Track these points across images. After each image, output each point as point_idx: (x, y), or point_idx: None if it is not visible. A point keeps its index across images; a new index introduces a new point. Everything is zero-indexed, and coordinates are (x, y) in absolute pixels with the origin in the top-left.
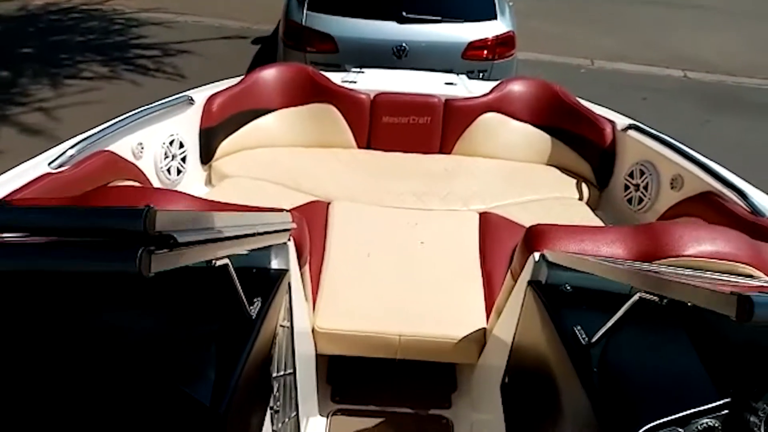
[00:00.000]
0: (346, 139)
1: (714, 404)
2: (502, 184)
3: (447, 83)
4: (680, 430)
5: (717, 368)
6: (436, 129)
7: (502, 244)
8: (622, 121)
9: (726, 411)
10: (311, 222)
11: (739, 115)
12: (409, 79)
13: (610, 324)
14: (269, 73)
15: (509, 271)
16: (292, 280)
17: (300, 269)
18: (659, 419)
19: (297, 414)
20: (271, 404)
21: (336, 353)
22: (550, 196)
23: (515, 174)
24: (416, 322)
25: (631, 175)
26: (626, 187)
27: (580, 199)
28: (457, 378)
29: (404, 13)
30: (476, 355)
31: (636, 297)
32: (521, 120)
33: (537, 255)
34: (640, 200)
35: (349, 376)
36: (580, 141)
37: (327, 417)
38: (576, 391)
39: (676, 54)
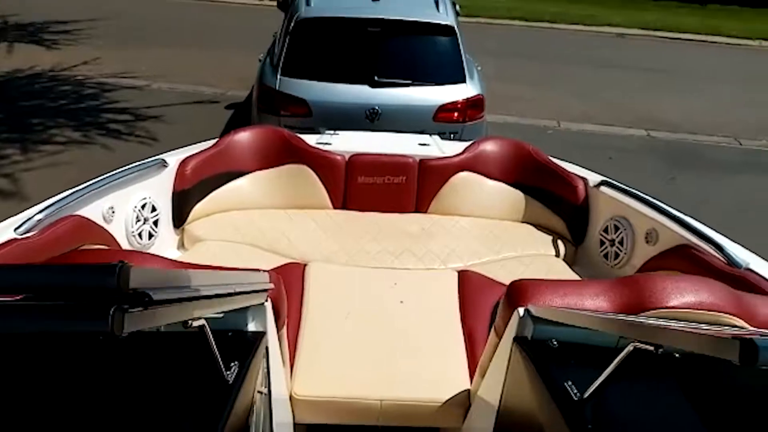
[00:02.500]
0: (321, 199)
1: None
2: (479, 242)
3: (420, 144)
4: None
5: (712, 420)
6: (411, 189)
7: (483, 301)
8: (594, 177)
9: None
10: (287, 284)
11: (703, 171)
12: (382, 141)
13: (602, 378)
14: (243, 136)
15: (493, 328)
16: (270, 344)
17: (278, 332)
18: None
19: None
20: None
21: (315, 422)
22: (528, 253)
23: (491, 232)
24: (397, 385)
25: (606, 230)
26: (602, 243)
27: (557, 255)
28: None
29: (376, 77)
30: (461, 419)
31: (630, 347)
32: (495, 179)
33: (521, 310)
34: (617, 255)
35: None
36: (553, 198)
37: None
38: None
39: (638, 114)
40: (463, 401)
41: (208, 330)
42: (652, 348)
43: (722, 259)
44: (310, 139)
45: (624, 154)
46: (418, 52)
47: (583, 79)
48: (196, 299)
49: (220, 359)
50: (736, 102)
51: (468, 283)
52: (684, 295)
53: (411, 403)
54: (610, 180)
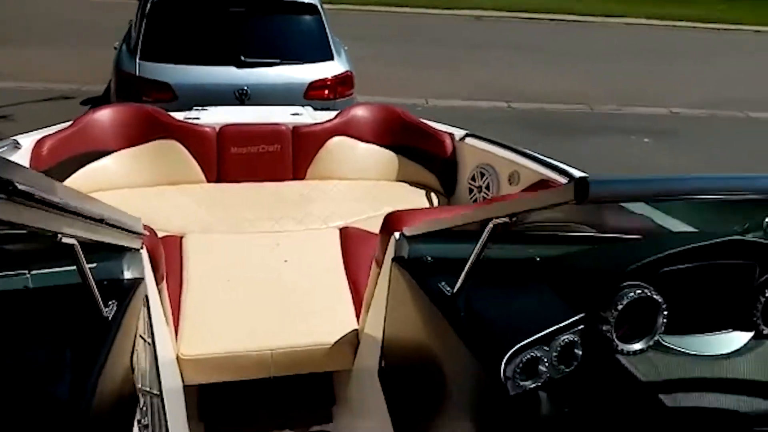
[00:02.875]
0: (194, 174)
1: (570, 321)
2: (358, 202)
3: (293, 114)
4: (546, 348)
5: (569, 292)
6: (286, 156)
7: (365, 253)
8: (459, 132)
9: (582, 326)
10: (165, 257)
11: (560, 135)
12: (254, 113)
13: (468, 267)
14: (104, 114)
15: (373, 260)
16: (150, 294)
17: (157, 285)
18: (524, 341)
19: None
20: (139, 417)
21: (205, 382)
22: (404, 208)
23: (369, 192)
24: (287, 335)
25: (473, 178)
26: (470, 191)
27: (431, 207)
28: (335, 390)
29: (243, 57)
30: (351, 360)
31: (490, 225)
32: (368, 141)
33: (397, 234)
34: (484, 199)
35: (222, 406)
36: (424, 155)
37: None
38: (449, 339)
39: (503, 89)
40: (352, 340)
41: (80, 253)
42: (507, 219)
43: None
44: (178, 116)
45: (489, 124)
46: (283, 31)
47: (453, 60)
48: (66, 212)
49: (97, 293)
50: (597, 76)
51: (349, 238)
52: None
53: (302, 349)
54: (473, 133)
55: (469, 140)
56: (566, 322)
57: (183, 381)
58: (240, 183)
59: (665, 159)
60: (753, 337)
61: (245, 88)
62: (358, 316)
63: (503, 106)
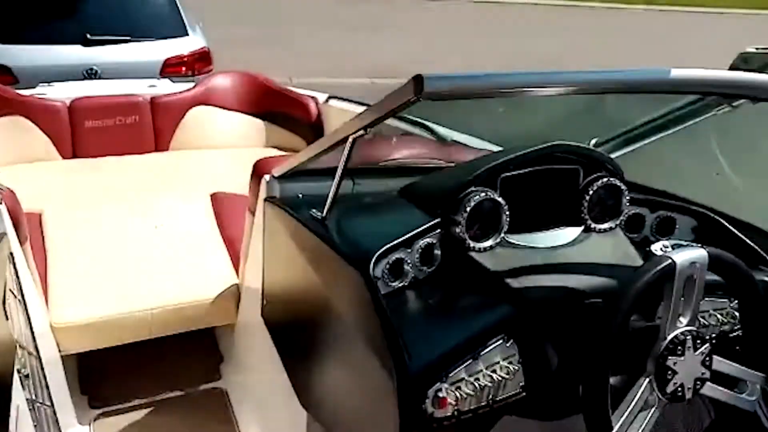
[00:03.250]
0: (46, 150)
1: (427, 225)
2: (226, 170)
3: (150, 86)
4: (408, 250)
5: (425, 203)
6: (146, 128)
7: (238, 214)
8: (322, 95)
9: (438, 230)
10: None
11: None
12: (107, 86)
13: (335, 186)
14: None
15: (246, 210)
16: (14, 251)
17: (21, 246)
18: (388, 244)
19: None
20: (18, 367)
21: (83, 350)
22: None
23: (236, 159)
24: (164, 294)
25: None
26: None
27: None
28: (221, 347)
29: (89, 35)
30: (234, 313)
31: (350, 141)
32: (231, 109)
33: (267, 176)
34: None
35: (104, 374)
36: (290, 120)
37: (89, 426)
38: (324, 255)
39: (365, 67)
40: (234, 293)
41: None
42: (363, 131)
43: (433, 138)
44: (24, 93)
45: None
46: (131, 5)
47: (312, 38)
48: None
49: None
50: (449, 48)
51: (220, 202)
52: (407, 150)
53: (181, 306)
54: (335, 95)
55: (332, 102)
56: (424, 227)
57: (60, 351)
58: (99, 158)
59: None
60: (582, 231)
61: (94, 67)
62: (237, 272)
63: (366, 83)
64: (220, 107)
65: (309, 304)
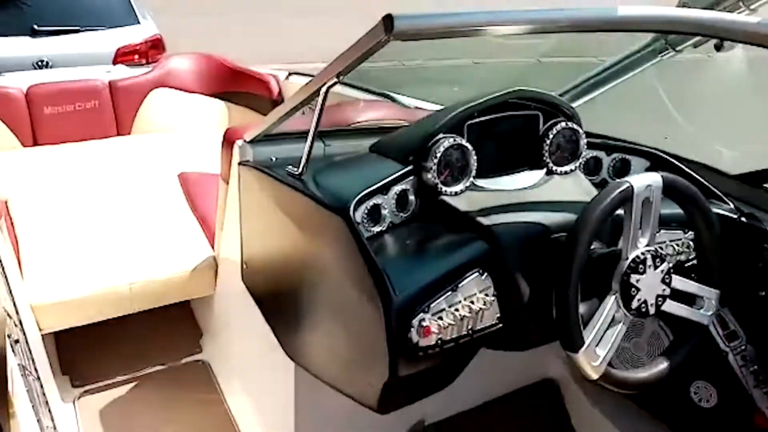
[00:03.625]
0: (6, 139)
1: (401, 172)
2: (191, 150)
3: (107, 72)
4: (384, 195)
5: (398, 153)
6: (107, 112)
7: (208, 191)
8: (282, 73)
9: (412, 177)
10: None
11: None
12: (63, 74)
13: (307, 146)
14: None
15: (219, 178)
16: None
17: None
18: (366, 190)
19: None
20: (8, 332)
21: (62, 327)
22: None
23: (200, 140)
24: (143, 268)
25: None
26: None
27: None
28: (199, 321)
29: (36, 26)
30: (213, 284)
31: (323, 90)
32: (192, 91)
33: (240, 141)
34: None
35: (84, 352)
36: (252, 99)
37: (72, 404)
38: (303, 207)
39: (278, 54)
40: (211, 265)
41: None
42: (336, 79)
43: (398, 107)
44: None
45: None
46: None
47: (260, 24)
48: None
49: None
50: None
51: (189, 182)
52: (372, 112)
53: (160, 279)
54: (296, 71)
55: (293, 79)
56: (398, 174)
57: (40, 330)
58: (61, 144)
59: None
60: (545, 174)
61: (44, 59)
62: (213, 246)
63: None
64: (180, 89)
65: (291, 258)
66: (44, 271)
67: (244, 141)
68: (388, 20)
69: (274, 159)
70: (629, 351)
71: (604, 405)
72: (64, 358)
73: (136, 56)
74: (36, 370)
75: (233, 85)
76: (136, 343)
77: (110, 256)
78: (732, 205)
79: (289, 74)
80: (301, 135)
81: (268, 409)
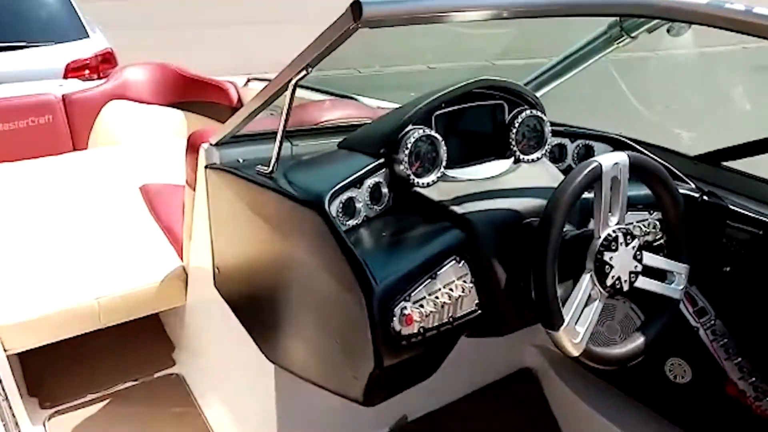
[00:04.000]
0: None
1: (373, 165)
2: (151, 162)
3: (60, 86)
4: (358, 189)
5: (369, 148)
6: (61, 127)
7: (172, 202)
8: (241, 79)
9: (384, 169)
10: None
11: None
12: (11, 89)
13: (277, 144)
14: None
15: (185, 185)
16: None
17: None
18: (337, 185)
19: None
20: None
21: (29, 347)
22: None
23: (159, 151)
24: (109, 282)
25: None
26: None
27: None
28: (170, 334)
29: None
30: (183, 295)
31: (291, 85)
32: (149, 102)
33: (205, 145)
34: None
35: (51, 372)
36: (211, 108)
37: (43, 426)
38: (274, 205)
39: (240, 62)
40: (180, 275)
41: None
42: (305, 71)
43: (363, 106)
44: None
45: None
46: (23, 11)
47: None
48: None
49: None
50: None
51: (152, 193)
52: (339, 111)
53: (129, 292)
54: (255, 76)
55: (252, 85)
56: (371, 166)
57: (5, 350)
58: (14, 162)
59: None
60: (513, 162)
61: None
62: (181, 257)
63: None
64: (136, 100)
65: (265, 259)
66: (7, 291)
67: (210, 144)
68: (356, 7)
69: (241, 161)
70: (603, 334)
71: (582, 390)
72: (32, 379)
73: (87, 71)
74: (4, 390)
75: (191, 94)
76: (106, 360)
77: (75, 272)
78: (693, 185)
79: (248, 80)
80: (269, 135)
81: (248, 415)
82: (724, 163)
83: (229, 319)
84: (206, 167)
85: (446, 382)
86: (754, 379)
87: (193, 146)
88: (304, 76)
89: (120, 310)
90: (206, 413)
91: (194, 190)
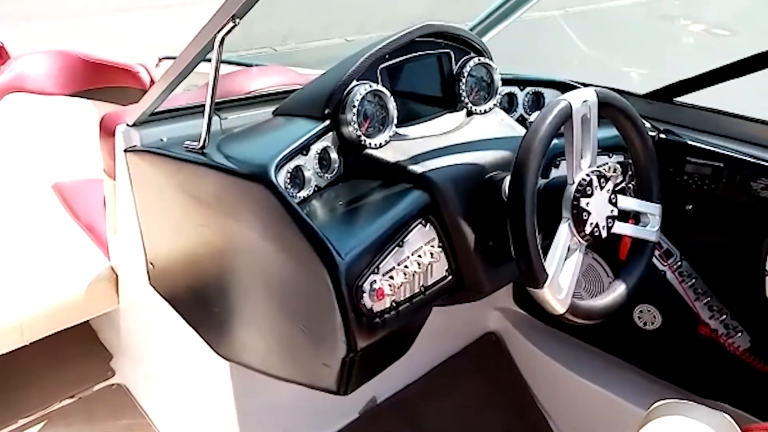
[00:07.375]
0: None
1: (319, 128)
2: (61, 158)
3: None
4: (305, 155)
5: (311, 111)
6: None
7: (89, 198)
8: (151, 60)
9: (331, 132)
10: None
11: None
12: None
13: (206, 116)
14: None
15: (103, 173)
16: None
17: None
18: (282, 153)
19: None
20: None
21: None
22: None
23: (69, 145)
24: (29, 293)
25: None
26: None
27: None
28: (105, 344)
29: None
30: (114, 297)
31: (217, 40)
32: (51, 93)
33: (121, 127)
34: None
35: None
36: (121, 93)
37: None
38: (214, 182)
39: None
40: (109, 276)
41: None
42: (232, 23)
43: (294, 72)
44: None
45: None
46: None
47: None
48: None
49: None
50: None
51: (66, 190)
52: (268, 78)
53: (53, 302)
54: (167, 55)
55: (164, 64)
56: (316, 130)
57: None
58: None
59: None
60: (466, 115)
61: None
62: (108, 255)
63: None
64: (36, 92)
65: (207, 245)
66: None
67: (127, 125)
68: None
69: (164, 140)
70: None
71: (548, 347)
72: None
73: None
74: None
75: (98, 80)
76: (37, 379)
77: None
78: (648, 125)
79: (160, 60)
80: (193, 109)
81: (204, 419)
82: (677, 99)
83: (171, 318)
84: (125, 151)
85: (412, 358)
86: (724, 317)
87: (107, 130)
88: (232, 28)
89: (44, 324)
90: (157, 423)
91: (114, 179)
